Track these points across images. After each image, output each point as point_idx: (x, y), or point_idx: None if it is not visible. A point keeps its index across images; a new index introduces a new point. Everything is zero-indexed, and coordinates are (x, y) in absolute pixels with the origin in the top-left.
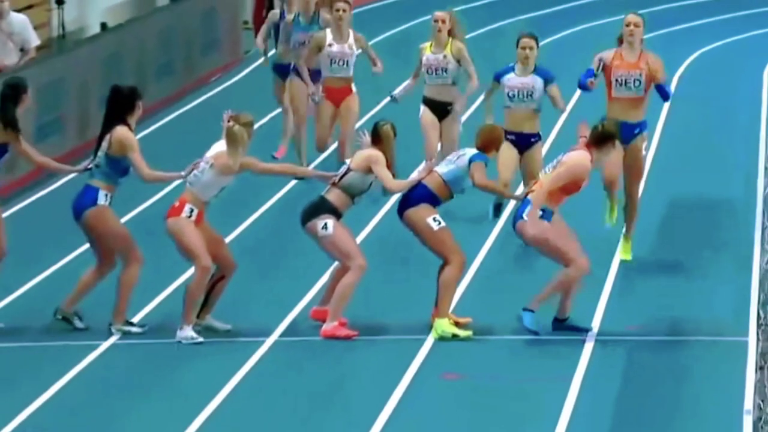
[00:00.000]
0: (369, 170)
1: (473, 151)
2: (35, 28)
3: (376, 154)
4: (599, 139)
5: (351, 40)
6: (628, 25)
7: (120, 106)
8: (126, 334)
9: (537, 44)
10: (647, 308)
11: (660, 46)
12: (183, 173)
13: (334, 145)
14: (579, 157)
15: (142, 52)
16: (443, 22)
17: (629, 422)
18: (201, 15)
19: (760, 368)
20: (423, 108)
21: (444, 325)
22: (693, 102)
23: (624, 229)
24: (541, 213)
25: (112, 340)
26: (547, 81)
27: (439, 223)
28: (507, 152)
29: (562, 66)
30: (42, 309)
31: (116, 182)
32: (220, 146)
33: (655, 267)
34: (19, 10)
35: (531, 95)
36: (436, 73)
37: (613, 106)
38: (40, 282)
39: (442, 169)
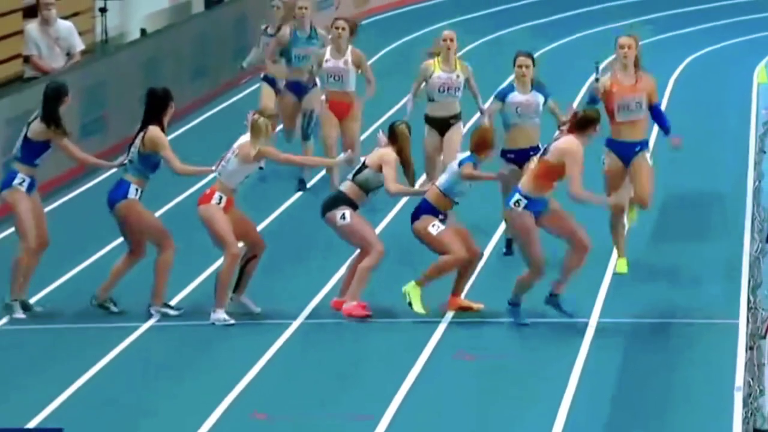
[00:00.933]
0: (381, 168)
1: (465, 154)
2: (80, 34)
3: (389, 154)
4: (581, 124)
5: (348, 56)
6: (621, 48)
7: (155, 106)
8: (164, 316)
9: (533, 62)
10: (645, 294)
11: (654, 53)
12: (213, 167)
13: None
14: (572, 143)
15: (178, 57)
16: (452, 40)
17: (629, 398)
18: (233, 22)
19: (749, 348)
20: (427, 129)
21: (413, 290)
22: (687, 103)
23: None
24: (526, 202)
25: (150, 322)
26: (546, 97)
27: (438, 228)
28: (508, 171)
29: (562, 71)
30: (84, 295)
31: (147, 177)
32: (244, 138)
33: (652, 256)
34: (65, 18)
35: (536, 111)
36: (447, 92)
37: (616, 128)
38: (82, 270)
39: (439, 181)
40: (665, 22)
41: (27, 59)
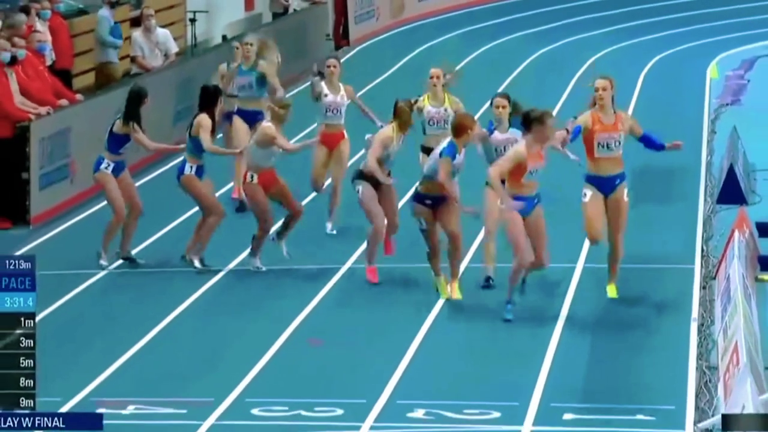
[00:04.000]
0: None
1: (446, 142)
2: (174, 39)
3: (382, 133)
4: (526, 124)
5: (342, 91)
6: (597, 90)
7: (206, 100)
8: (191, 266)
9: (509, 102)
10: None
11: (628, 55)
12: (239, 150)
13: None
14: (516, 146)
15: None
16: (438, 78)
17: (609, 323)
18: (294, 29)
19: (703, 287)
20: (423, 157)
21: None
22: (654, 94)
23: (608, 275)
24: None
25: (228, 268)
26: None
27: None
28: (490, 200)
29: (554, 72)
30: (175, 247)
31: (199, 156)
32: (263, 125)
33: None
34: (163, 26)
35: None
36: (437, 125)
37: (595, 164)
38: (169, 231)
39: (425, 169)
40: (636, 29)
41: (133, 59)
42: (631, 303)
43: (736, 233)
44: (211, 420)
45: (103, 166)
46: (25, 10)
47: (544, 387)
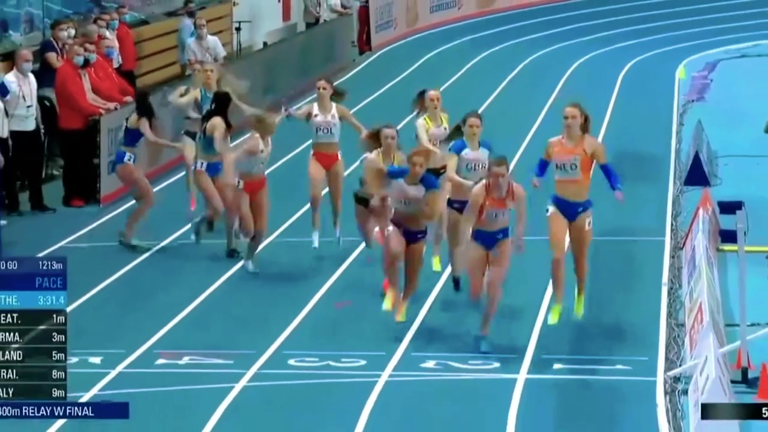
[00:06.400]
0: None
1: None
2: (223, 45)
3: (367, 160)
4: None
5: (333, 111)
6: (566, 118)
7: (220, 104)
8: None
9: (481, 121)
10: (601, 219)
11: (607, 60)
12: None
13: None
14: (474, 189)
15: (288, 61)
16: (438, 99)
17: (590, 290)
18: (325, 37)
19: (672, 256)
20: None
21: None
22: (630, 93)
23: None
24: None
25: (268, 240)
26: (490, 151)
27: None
28: (454, 217)
29: (545, 75)
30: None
31: (213, 154)
32: (248, 136)
33: (605, 195)
34: (213, 34)
35: (484, 166)
36: (440, 144)
37: (558, 186)
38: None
39: None
40: (614, 37)
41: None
42: (610, 270)
43: (701, 210)
44: (254, 369)
45: (126, 158)
46: (96, 21)
47: (537, 341)
